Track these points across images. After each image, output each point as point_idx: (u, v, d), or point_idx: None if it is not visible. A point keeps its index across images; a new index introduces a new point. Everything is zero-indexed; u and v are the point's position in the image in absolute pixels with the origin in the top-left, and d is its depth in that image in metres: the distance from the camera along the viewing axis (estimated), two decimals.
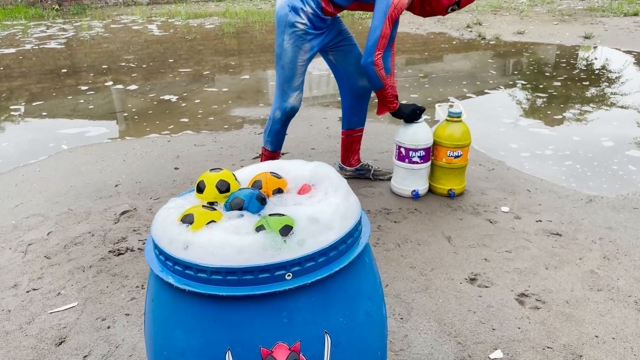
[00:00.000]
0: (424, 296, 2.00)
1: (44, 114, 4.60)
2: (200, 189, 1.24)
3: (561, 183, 2.99)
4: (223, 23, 9.39)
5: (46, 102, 4.97)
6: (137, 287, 2.10)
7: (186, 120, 4.27)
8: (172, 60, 6.60)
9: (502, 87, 5.09)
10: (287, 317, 1.01)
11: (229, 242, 1.01)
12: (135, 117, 4.43)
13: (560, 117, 4.17)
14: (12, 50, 7.55)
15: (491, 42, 7.08)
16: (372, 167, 3.02)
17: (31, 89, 5.43)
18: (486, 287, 2.06)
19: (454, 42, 7.19)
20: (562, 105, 4.46)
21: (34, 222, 2.65)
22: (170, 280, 1.03)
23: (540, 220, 2.55)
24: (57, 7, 11.34)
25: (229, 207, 1.16)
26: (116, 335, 1.82)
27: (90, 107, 4.76)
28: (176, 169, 3.28)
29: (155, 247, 1.09)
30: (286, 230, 1.04)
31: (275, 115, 2.57)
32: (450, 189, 2.76)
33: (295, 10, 2.38)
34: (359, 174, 3.03)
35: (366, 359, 1.15)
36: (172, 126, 4.13)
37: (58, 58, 6.93)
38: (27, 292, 2.09)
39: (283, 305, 1.01)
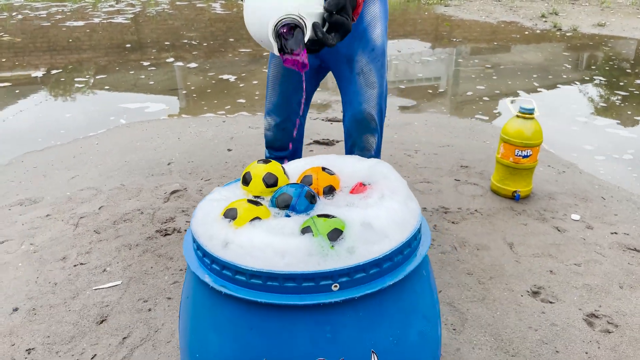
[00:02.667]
0: (480, 307, 1.85)
1: (106, 87, 4.68)
2: (246, 180, 1.15)
3: None
4: None
5: (110, 75, 5.06)
6: (180, 270, 2.06)
7: (243, 101, 4.22)
8: (233, 40, 6.59)
9: (576, 82, 4.73)
10: (330, 332, 0.91)
11: (271, 244, 0.91)
12: (194, 94, 4.43)
13: None
14: (81, 23, 7.78)
15: (568, 34, 6.62)
16: None
17: (97, 62, 5.56)
18: (550, 302, 1.87)
19: (526, 33, 6.77)
20: None
21: (87, 195, 2.67)
22: (207, 279, 0.94)
23: (615, 233, 2.31)
24: None
25: (275, 203, 1.06)
26: (156, 319, 1.78)
27: (151, 82, 4.81)
28: (229, 150, 3.23)
29: (194, 241, 1.01)
30: (335, 235, 0.93)
31: None
32: (515, 191, 2.55)
33: None
34: None
35: None
36: (229, 106, 4.10)
37: (125, 33, 7.08)
38: (75, 266, 2.10)
39: (327, 319, 0.90)
